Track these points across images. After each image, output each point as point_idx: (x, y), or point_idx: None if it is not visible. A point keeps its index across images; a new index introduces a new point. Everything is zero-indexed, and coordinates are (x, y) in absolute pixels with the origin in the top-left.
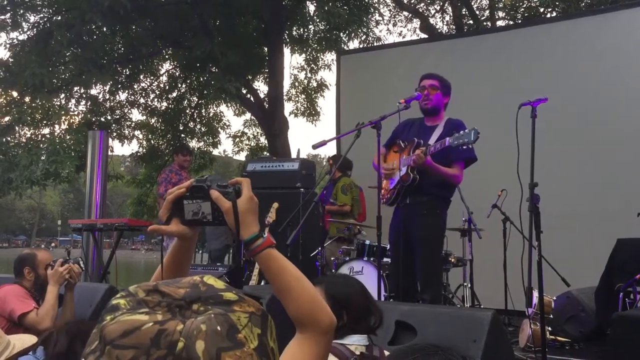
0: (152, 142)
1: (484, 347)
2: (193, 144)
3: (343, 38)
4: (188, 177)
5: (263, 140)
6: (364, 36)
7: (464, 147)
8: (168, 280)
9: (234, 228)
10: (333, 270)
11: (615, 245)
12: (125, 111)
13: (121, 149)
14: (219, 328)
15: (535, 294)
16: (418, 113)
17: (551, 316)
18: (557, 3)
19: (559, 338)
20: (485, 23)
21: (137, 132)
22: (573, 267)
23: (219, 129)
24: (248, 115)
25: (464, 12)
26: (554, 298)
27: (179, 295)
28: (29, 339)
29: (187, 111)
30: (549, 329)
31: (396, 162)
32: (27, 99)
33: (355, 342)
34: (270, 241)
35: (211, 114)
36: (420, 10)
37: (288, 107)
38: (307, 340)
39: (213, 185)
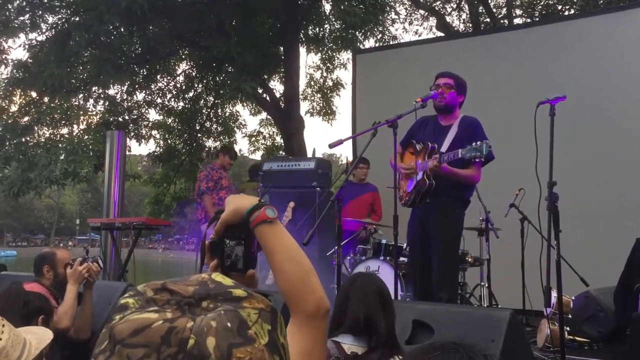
0: (169, 141)
1: (502, 347)
2: (209, 143)
3: (359, 37)
4: (227, 176)
5: (279, 139)
6: (380, 35)
7: (476, 160)
8: (176, 279)
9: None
10: (350, 270)
11: (635, 245)
12: (143, 111)
13: (138, 149)
14: (229, 324)
15: (554, 293)
16: (433, 111)
17: (570, 316)
18: (574, 0)
19: (577, 338)
20: (502, 21)
21: (154, 132)
22: (592, 267)
23: (235, 129)
24: (264, 115)
25: (480, 10)
26: (573, 298)
27: (187, 293)
28: (44, 335)
29: (204, 111)
30: (568, 329)
31: (413, 162)
32: (45, 99)
33: (350, 342)
34: (263, 216)
35: (227, 114)
36: (437, 9)
37: (304, 106)
38: (296, 326)
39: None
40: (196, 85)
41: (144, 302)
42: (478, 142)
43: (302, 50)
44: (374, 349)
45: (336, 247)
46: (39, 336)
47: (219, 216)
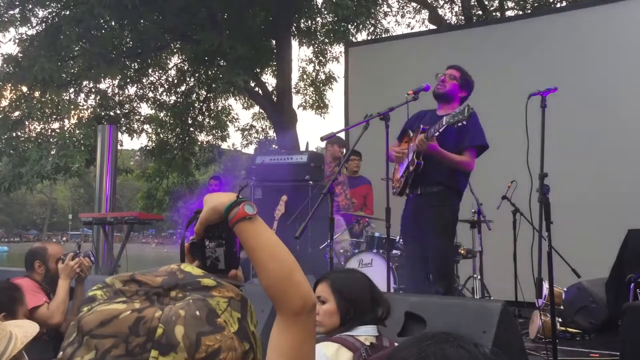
0: (161, 136)
1: (494, 338)
2: (202, 137)
3: (351, 30)
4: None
5: (272, 133)
6: (372, 28)
7: (460, 124)
8: (145, 270)
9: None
10: (342, 263)
11: (626, 236)
12: (134, 105)
13: (130, 143)
14: (197, 313)
15: (546, 285)
16: (429, 104)
17: (561, 307)
18: None
19: (569, 329)
20: (494, 13)
21: (146, 126)
22: (583, 258)
23: (228, 123)
24: (256, 109)
25: (472, 3)
26: (565, 289)
27: (156, 284)
28: (30, 328)
29: (196, 105)
30: (560, 320)
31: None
32: (36, 94)
33: (364, 332)
34: (242, 213)
35: (220, 108)
36: (429, 1)
37: (296, 100)
38: (283, 323)
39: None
40: (188, 79)
41: (112, 293)
42: (461, 107)
43: (295, 43)
44: (382, 334)
45: (329, 241)
46: (25, 329)
47: (197, 216)
